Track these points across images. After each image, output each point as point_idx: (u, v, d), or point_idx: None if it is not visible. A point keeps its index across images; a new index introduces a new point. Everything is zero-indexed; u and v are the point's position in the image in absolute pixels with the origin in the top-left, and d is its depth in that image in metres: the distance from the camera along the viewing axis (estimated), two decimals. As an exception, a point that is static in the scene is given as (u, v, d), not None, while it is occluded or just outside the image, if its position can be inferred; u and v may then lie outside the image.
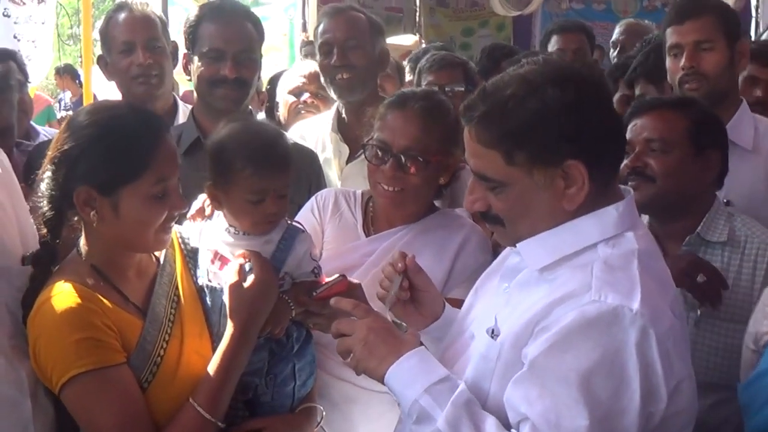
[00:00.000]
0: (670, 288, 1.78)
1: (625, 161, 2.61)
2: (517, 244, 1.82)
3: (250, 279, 2.07)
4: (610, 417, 1.58)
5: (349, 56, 3.35)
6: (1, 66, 3.66)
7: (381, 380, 1.78)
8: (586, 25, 5.23)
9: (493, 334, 1.77)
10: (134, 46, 3.45)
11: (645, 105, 2.71)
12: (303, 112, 4.12)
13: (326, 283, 2.19)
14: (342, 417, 2.42)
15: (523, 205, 1.74)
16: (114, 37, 3.50)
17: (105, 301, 1.97)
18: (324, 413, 2.27)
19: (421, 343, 1.83)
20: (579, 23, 5.22)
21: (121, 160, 1.95)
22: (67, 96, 10.13)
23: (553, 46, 4.79)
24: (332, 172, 3.47)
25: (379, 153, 2.43)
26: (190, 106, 3.50)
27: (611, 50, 5.39)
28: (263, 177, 2.09)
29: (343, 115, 3.49)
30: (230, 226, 2.17)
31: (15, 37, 5.61)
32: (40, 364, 1.94)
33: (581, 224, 1.74)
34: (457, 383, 1.74)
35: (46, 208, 2.03)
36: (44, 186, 2.01)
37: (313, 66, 4.44)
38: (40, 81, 7.38)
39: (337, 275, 2.21)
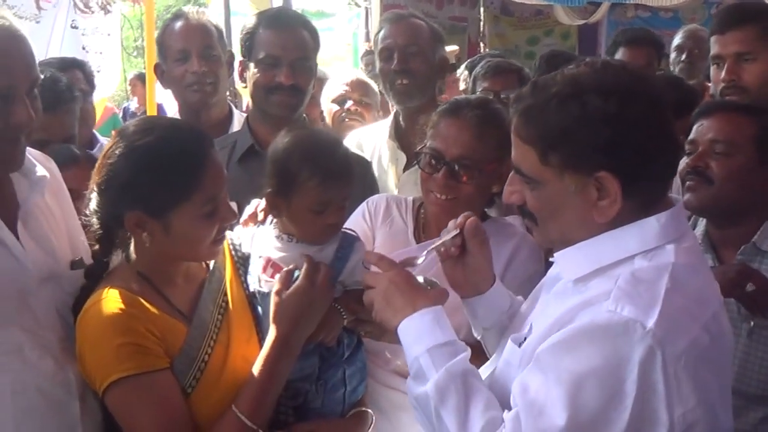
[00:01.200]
0: (710, 305, 1.69)
1: (686, 160, 2.57)
2: (554, 254, 1.79)
3: (300, 281, 2.06)
4: (593, 426, 1.55)
5: (409, 62, 3.35)
6: (67, 75, 3.78)
7: (394, 331, 1.80)
8: (654, 36, 5.09)
9: (522, 342, 1.76)
10: (189, 54, 3.49)
11: (714, 105, 2.65)
12: (347, 120, 4.15)
13: None
14: (390, 425, 2.39)
15: (553, 207, 1.72)
16: (170, 46, 3.56)
17: (149, 306, 1.98)
18: (374, 419, 2.26)
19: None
20: (647, 35, 5.09)
21: (171, 185, 1.95)
22: (133, 104, 10.32)
23: (619, 58, 4.71)
24: (389, 180, 3.47)
25: (432, 161, 2.41)
26: (245, 114, 3.56)
27: (672, 54, 5.32)
28: (329, 188, 2.08)
29: (401, 122, 3.48)
30: (284, 233, 2.17)
31: (83, 48, 5.77)
32: (85, 367, 1.96)
33: (620, 235, 1.69)
34: (461, 351, 1.74)
35: (96, 226, 2.06)
36: (93, 205, 2.04)
37: (355, 74, 4.48)
38: (111, 92, 7.57)
39: None
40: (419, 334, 1.76)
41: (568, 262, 1.75)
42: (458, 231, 2.03)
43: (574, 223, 1.71)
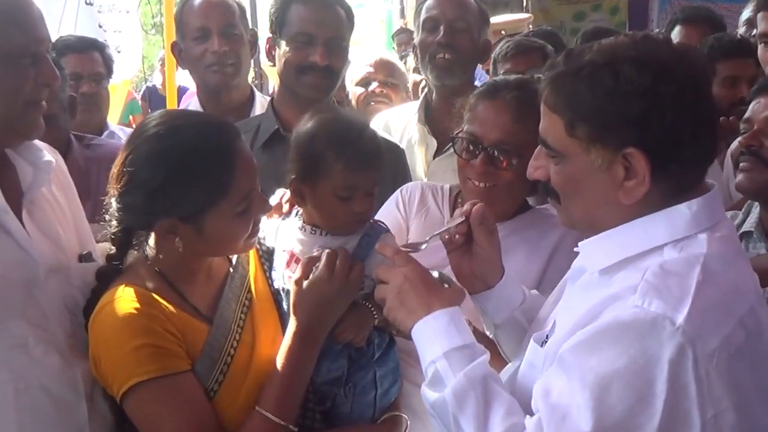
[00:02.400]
0: (747, 298, 1.63)
1: (740, 138, 2.52)
2: (579, 244, 1.76)
3: (320, 270, 2.01)
4: (621, 430, 1.50)
5: (455, 37, 3.31)
6: (83, 57, 3.74)
7: (408, 332, 1.77)
8: (712, 13, 4.96)
9: (544, 341, 1.72)
10: (209, 32, 3.44)
11: None
12: (373, 103, 4.10)
13: None
14: (424, 428, 2.34)
15: (577, 183, 1.68)
16: (188, 23, 3.50)
17: (168, 305, 1.94)
18: (409, 423, 2.22)
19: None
20: (705, 12, 4.94)
21: (203, 188, 1.92)
22: (158, 79, 10.08)
23: (675, 36, 4.63)
24: (418, 167, 3.42)
25: (470, 147, 2.36)
26: (268, 97, 3.50)
27: (742, 29, 5.17)
28: (356, 172, 2.04)
29: (432, 104, 3.42)
30: (309, 224, 2.13)
31: (100, 26, 5.73)
32: (101, 371, 1.92)
33: (647, 224, 1.64)
34: (479, 354, 1.70)
35: (115, 228, 2.02)
36: (114, 207, 1.99)
37: (379, 54, 4.43)
38: (134, 74, 7.53)
39: None
40: (435, 336, 1.73)
41: (592, 252, 1.72)
42: (464, 218, 2.00)
43: (599, 202, 1.67)
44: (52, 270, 2.01)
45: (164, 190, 1.91)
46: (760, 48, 3.06)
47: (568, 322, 1.66)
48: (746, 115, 2.55)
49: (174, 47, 3.68)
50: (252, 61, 4.01)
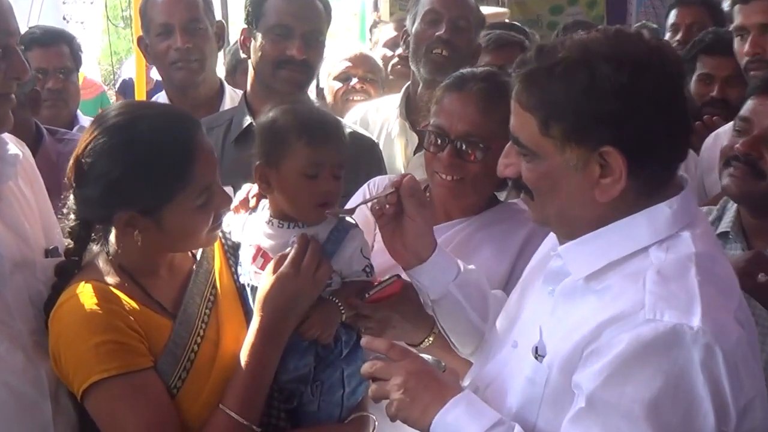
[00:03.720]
0: (735, 293, 1.68)
1: (739, 142, 2.46)
2: (559, 249, 1.77)
3: (285, 266, 2.04)
4: None
5: (456, 34, 3.35)
6: (50, 50, 3.74)
7: (426, 428, 1.72)
8: None
9: (538, 353, 1.71)
10: (172, 28, 3.46)
11: None
12: (351, 98, 4.14)
13: (379, 283, 2.16)
14: (392, 428, 2.37)
15: (552, 182, 1.70)
16: (152, 18, 3.53)
17: (130, 301, 1.96)
18: (377, 423, 2.23)
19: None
20: None
21: (162, 180, 1.94)
22: (129, 73, 10.13)
23: (671, 20, 4.67)
24: (397, 162, 3.45)
25: (437, 140, 2.39)
26: (239, 91, 3.50)
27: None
28: (320, 147, 2.09)
29: (414, 99, 3.45)
30: (275, 217, 2.16)
31: (64, 18, 5.73)
32: (60, 368, 1.94)
33: (629, 225, 1.66)
34: (512, 426, 1.68)
35: (73, 223, 2.04)
36: (72, 201, 2.02)
37: (357, 48, 4.44)
38: (90, 66, 7.54)
39: (390, 275, 2.18)
40: (461, 425, 1.70)
41: (574, 257, 1.72)
42: (393, 190, 2.04)
43: (574, 200, 1.69)
44: (17, 265, 2.02)
45: (122, 183, 1.93)
46: (736, 41, 3.10)
47: (563, 337, 1.66)
48: (744, 113, 2.51)
49: (140, 42, 3.69)
50: (223, 53, 4.03)
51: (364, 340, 1.93)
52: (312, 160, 2.09)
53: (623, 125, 1.61)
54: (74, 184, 2.00)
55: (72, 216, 2.04)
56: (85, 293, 1.94)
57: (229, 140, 3.04)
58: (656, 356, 1.53)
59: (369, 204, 2.13)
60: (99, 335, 1.89)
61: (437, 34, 3.34)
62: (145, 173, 1.94)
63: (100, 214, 2.00)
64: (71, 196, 2.02)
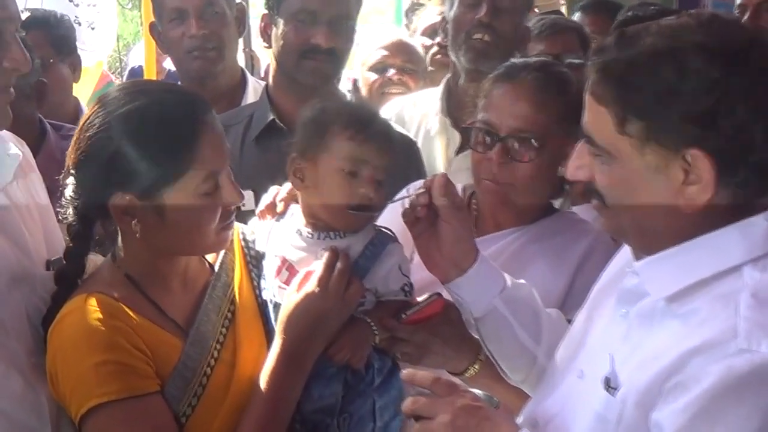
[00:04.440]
0: None
1: None
2: (635, 265, 1.74)
3: (311, 283, 2.06)
4: None
5: (498, 17, 3.36)
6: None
7: None
8: None
9: (610, 386, 1.69)
10: (186, 13, 3.48)
11: None
12: (388, 91, 4.17)
13: (418, 303, 2.17)
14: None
15: (628, 188, 1.68)
16: (163, 3, 3.56)
17: (137, 317, 1.98)
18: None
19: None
20: None
21: (161, 158, 1.96)
22: (135, 60, 10.19)
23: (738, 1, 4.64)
24: (437, 164, 3.46)
25: (485, 138, 2.39)
26: (262, 82, 3.53)
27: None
28: (364, 142, 2.10)
29: (458, 92, 3.46)
30: (306, 225, 2.17)
31: (71, 0, 5.82)
32: (57, 389, 1.96)
33: (719, 239, 1.63)
34: None
35: (72, 218, 2.07)
36: (69, 192, 2.05)
37: (395, 35, 4.44)
38: (108, 54, 7.60)
39: (430, 294, 2.18)
40: None
41: (653, 275, 1.70)
42: (423, 190, 2.05)
43: (653, 209, 1.67)
44: (15, 279, 2.05)
45: (118, 158, 1.96)
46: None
47: (640, 367, 1.65)
48: None
49: (152, 29, 3.72)
50: (241, 40, 4.05)
51: (405, 374, 1.92)
52: (354, 155, 2.10)
53: (713, 126, 1.58)
54: (72, 170, 2.04)
55: (70, 211, 2.07)
56: (87, 307, 1.96)
57: (249, 139, 3.06)
58: (752, 392, 1.50)
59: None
60: (100, 354, 1.91)
61: (477, 17, 3.35)
62: (143, 148, 1.97)
63: (94, 199, 2.02)
64: (68, 187, 2.06)
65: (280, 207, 2.29)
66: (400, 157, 2.92)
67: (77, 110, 3.91)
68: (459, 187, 2.60)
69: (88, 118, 2.02)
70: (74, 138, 2.04)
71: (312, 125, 2.16)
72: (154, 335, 1.99)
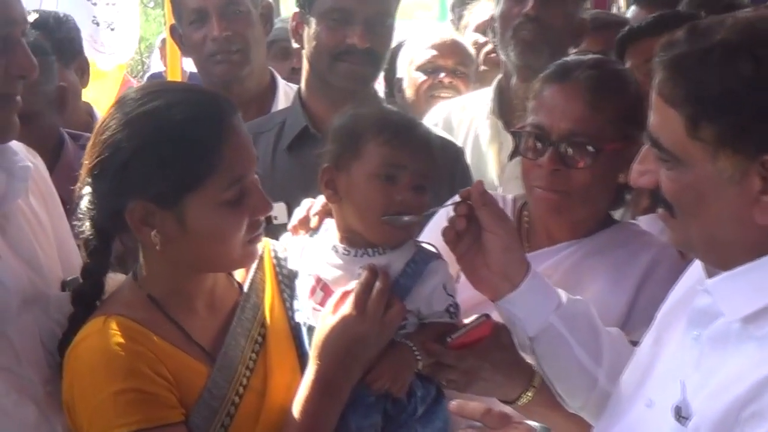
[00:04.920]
0: None
1: None
2: (706, 282, 1.73)
3: (347, 305, 2.06)
4: None
5: (546, 9, 3.37)
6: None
7: None
8: None
9: (681, 415, 1.68)
10: (207, 13, 3.52)
11: None
12: (438, 95, 4.17)
13: (465, 325, 2.16)
14: None
15: (699, 196, 1.67)
16: (183, 3, 3.60)
17: (160, 341, 2.00)
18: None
19: None
20: None
21: (182, 163, 1.97)
22: (157, 65, 10.03)
23: None
24: (489, 171, 3.48)
25: (535, 143, 2.39)
26: (294, 86, 3.53)
27: None
28: (401, 147, 2.13)
29: (509, 92, 3.47)
30: (341, 241, 2.19)
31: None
32: (74, 419, 1.98)
33: None
34: None
35: (88, 232, 2.09)
36: (85, 203, 2.07)
37: (448, 34, 4.44)
38: (129, 57, 7.66)
39: (478, 315, 2.18)
40: None
41: (728, 293, 1.69)
42: (460, 200, 2.06)
43: (726, 221, 1.66)
44: (27, 301, 2.07)
45: (136, 163, 1.98)
46: None
47: (714, 395, 1.65)
48: None
49: (173, 31, 3.78)
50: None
51: (453, 405, 1.93)
52: (390, 160, 2.12)
53: None
54: (88, 178, 2.06)
55: (87, 224, 2.09)
56: (106, 330, 1.98)
57: (281, 147, 3.09)
58: None
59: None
60: (120, 382, 1.93)
61: (524, 11, 3.37)
62: (162, 151, 1.98)
63: (110, 209, 2.03)
64: (86, 191, 2.08)
65: (314, 222, 2.30)
66: (445, 165, 2.94)
67: (89, 117, 3.91)
68: (509, 197, 2.64)
69: (104, 121, 2.05)
70: (90, 142, 2.07)
71: (343, 132, 2.19)
72: (178, 361, 2.01)
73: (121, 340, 1.96)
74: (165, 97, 2.03)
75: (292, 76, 4.17)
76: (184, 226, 2.01)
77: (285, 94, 3.69)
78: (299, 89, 3.24)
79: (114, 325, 1.99)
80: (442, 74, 4.25)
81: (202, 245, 2.05)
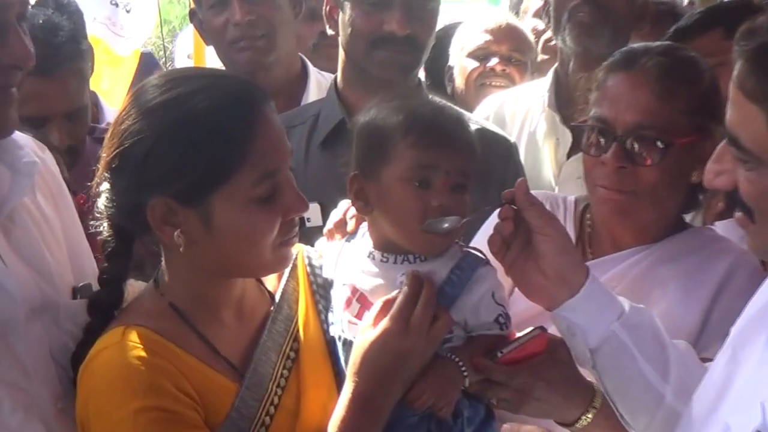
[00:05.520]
0: None
1: None
2: None
3: (389, 318, 2.06)
4: None
5: None
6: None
7: None
8: None
9: None
10: None
11: None
12: (490, 83, 4.19)
13: (517, 339, 2.16)
14: None
15: None
16: None
17: (184, 354, 2.01)
18: None
19: None
20: None
21: (207, 155, 1.98)
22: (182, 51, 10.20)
23: None
24: (545, 169, 3.52)
25: (598, 138, 2.40)
26: (328, 75, 3.56)
27: None
28: (432, 146, 2.12)
29: (567, 82, 3.51)
30: (378, 248, 2.20)
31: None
32: None
33: None
34: None
35: (106, 233, 2.11)
36: (103, 202, 2.09)
37: (503, 17, 4.44)
38: (145, 38, 7.70)
39: (532, 328, 2.18)
40: None
41: None
42: (504, 202, 2.07)
43: None
44: (35, 310, 2.08)
45: (156, 156, 1.99)
46: None
47: None
48: None
49: (193, 16, 3.81)
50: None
51: (506, 430, 1.93)
52: (421, 163, 2.12)
53: None
54: (107, 173, 2.07)
55: (105, 224, 2.11)
56: (125, 342, 2.00)
57: (314, 143, 3.12)
58: None
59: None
60: (140, 399, 1.94)
61: None
62: (185, 141, 1.99)
63: (130, 207, 2.05)
64: (104, 189, 2.09)
65: (350, 225, 2.32)
66: (495, 163, 2.95)
67: (94, 108, 3.96)
68: (570, 199, 2.65)
69: (124, 110, 2.06)
70: (108, 133, 2.08)
71: (367, 134, 2.19)
72: (203, 377, 2.03)
73: (142, 353, 1.98)
74: (189, 84, 2.04)
75: (322, 42, 4.20)
76: (209, 225, 2.02)
77: (317, 83, 3.72)
78: (335, 79, 3.26)
79: (134, 337, 2.00)
80: (495, 61, 4.25)
81: (230, 247, 2.05)
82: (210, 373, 2.05)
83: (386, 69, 3.01)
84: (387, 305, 2.10)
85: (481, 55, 4.29)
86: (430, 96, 2.97)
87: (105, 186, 2.09)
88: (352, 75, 3.14)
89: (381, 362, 2.06)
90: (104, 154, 2.07)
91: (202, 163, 1.99)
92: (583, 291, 2.07)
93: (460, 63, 4.34)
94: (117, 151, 2.04)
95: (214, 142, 1.99)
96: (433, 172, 2.12)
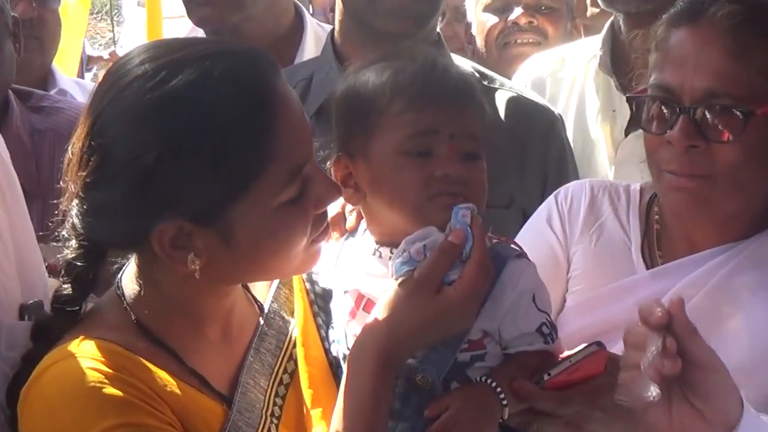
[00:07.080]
0: None
1: None
2: None
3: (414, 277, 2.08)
4: None
5: None
6: None
7: None
8: None
9: None
10: None
11: None
12: (515, 41, 4.27)
13: (568, 357, 2.21)
14: None
15: None
16: None
17: (160, 372, 2.07)
18: None
19: None
20: None
21: (223, 166, 2.03)
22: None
23: None
24: (598, 149, 3.58)
25: (661, 110, 2.43)
26: (327, 26, 3.63)
27: None
28: (426, 107, 2.19)
29: (622, 40, 3.57)
30: (381, 243, 2.26)
31: None
32: None
33: None
34: None
35: (73, 254, 2.14)
36: (76, 211, 2.10)
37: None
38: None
39: (587, 344, 2.22)
40: None
41: None
42: (661, 332, 1.98)
43: None
44: None
45: (158, 174, 2.02)
46: None
47: None
48: None
49: None
50: None
51: None
52: (417, 129, 2.19)
53: None
54: (80, 185, 2.09)
55: (73, 242, 2.14)
56: (85, 354, 2.06)
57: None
58: None
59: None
60: (113, 416, 1.99)
61: None
62: (193, 152, 2.03)
63: (128, 231, 2.09)
64: (74, 206, 2.11)
65: (350, 221, 2.39)
66: (535, 138, 3.06)
67: (47, 70, 4.06)
68: (634, 188, 2.70)
69: (99, 116, 2.08)
70: (80, 143, 2.09)
71: (348, 106, 2.26)
72: (185, 396, 2.10)
73: (106, 368, 2.03)
74: (184, 70, 2.05)
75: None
76: (230, 240, 2.09)
77: (315, 36, 3.77)
78: (331, 34, 3.32)
79: (94, 349, 2.06)
80: (518, 12, 4.31)
81: (255, 259, 2.14)
82: (191, 392, 2.12)
83: (393, 19, 3.09)
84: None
85: (500, 6, 4.36)
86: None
87: (77, 204, 2.13)
88: (352, 29, 3.23)
89: (408, 318, 2.10)
90: (75, 167, 2.11)
91: (218, 176, 2.04)
92: (743, 423, 2.06)
93: (478, 20, 4.43)
94: (101, 167, 2.07)
95: (228, 149, 2.04)
96: (433, 137, 2.20)
